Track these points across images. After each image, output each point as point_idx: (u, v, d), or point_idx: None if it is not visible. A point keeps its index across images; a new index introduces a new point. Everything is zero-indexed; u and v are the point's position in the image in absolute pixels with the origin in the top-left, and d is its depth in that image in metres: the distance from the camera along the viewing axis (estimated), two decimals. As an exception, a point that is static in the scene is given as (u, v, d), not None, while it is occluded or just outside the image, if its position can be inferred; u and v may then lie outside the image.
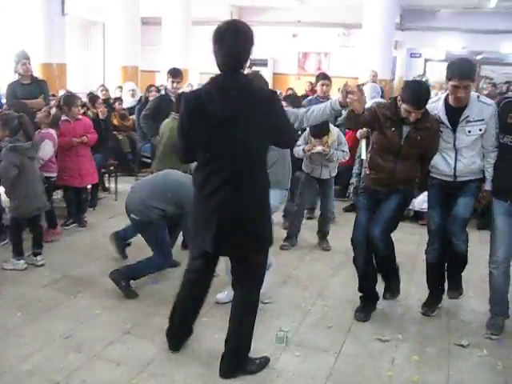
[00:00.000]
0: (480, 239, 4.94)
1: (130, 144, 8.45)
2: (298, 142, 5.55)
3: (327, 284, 4.78)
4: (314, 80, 7.37)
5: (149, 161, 8.31)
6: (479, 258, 4.39)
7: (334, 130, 5.55)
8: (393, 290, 4.23)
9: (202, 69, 13.52)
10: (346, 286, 4.61)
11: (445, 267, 4.28)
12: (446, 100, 3.95)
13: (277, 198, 4.31)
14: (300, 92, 10.47)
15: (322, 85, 6.62)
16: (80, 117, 6.18)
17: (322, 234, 5.78)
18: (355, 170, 6.99)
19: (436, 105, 4.00)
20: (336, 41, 16.29)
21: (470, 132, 3.86)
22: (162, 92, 7.17)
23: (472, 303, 4.49)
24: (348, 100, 3.46)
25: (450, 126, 3.90)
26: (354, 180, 7.08)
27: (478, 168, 3.96)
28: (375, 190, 4.06)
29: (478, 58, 16.18)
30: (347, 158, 5.79)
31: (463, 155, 3.92)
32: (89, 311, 4.04)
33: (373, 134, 4.06)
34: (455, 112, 3.87)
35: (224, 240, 3.07)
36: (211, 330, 3.76)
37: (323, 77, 6.76)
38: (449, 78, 3.78)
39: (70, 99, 6.08)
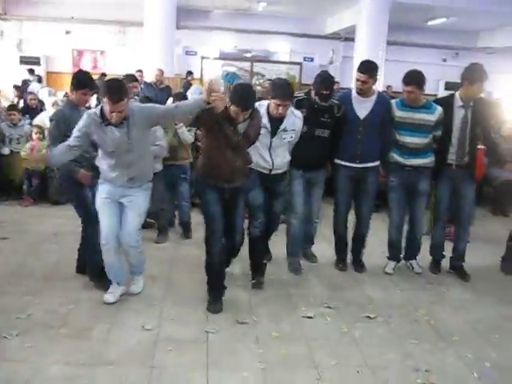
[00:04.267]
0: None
1: None
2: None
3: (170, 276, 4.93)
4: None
5: None
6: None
7: None
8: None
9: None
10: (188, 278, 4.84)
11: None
12: (267, 109, 4.55)
13: None
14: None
15: None
16: None
17: None
18: None
19: (259, 109, 4.47)
20: (112, 39, 16.10)
21: (284, 138, 4.65)
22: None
23: (309, 280, 5.07)
24: (211, 98, 3.78)
25: (270, 132, 4.54)
26: None
27: (287, 161, 4.76)
28: (218, 187, 4.24)
29: (248, 55, 17.33)
30: None
31: (277, 153, 4.65)
32: None
33: (208, 134, 4.23)
34: (275, 121, 4.55)
35: None
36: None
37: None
38: (273, 97, 4.44)
39: None
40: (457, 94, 5.04)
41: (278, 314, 4.29)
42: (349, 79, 13.33)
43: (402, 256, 5.42)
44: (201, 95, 3.98)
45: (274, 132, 4.55)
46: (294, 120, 4.63)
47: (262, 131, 4.43)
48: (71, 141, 3.99)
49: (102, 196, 4.26)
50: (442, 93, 15.47)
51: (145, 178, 4.33)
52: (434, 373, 3.55)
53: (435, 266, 5.43)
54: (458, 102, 5.00)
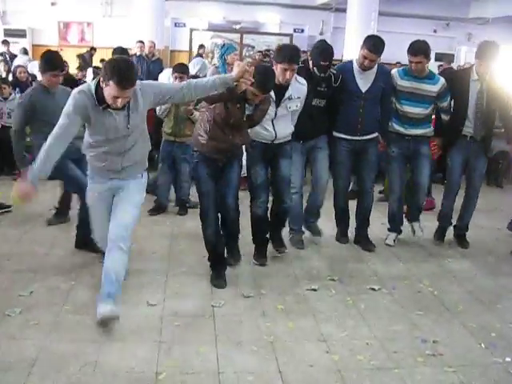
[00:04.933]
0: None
1: None
2: None
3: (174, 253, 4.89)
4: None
5: None
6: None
7: None
8: (236, 255, 4.61)
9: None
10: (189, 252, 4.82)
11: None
12: None
13: None
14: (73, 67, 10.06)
15: None
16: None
17: None
18: None
19: None
20: (99, 10, 15.79)
21: (290, 108, 4.48)
22: None
23: (311, 254, 5.05)
24: (242, 80, 3.62)
25: (275, 101, 4.37)
26: None
27: (290, 131, 4.61)
28: (213, 158, 4.19)
29: (237, 27, 17.08)
30: None
31: (280, 124, 4.48)
32: None
33: (213, 109, 4.04)
34: (279, 89, 4.33)
35: None
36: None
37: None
38: (279, 62, 4.23)
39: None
40: (474, 67, 5.02)
41: (283, 288, 4.27)
42: (339, 50, 13.20)
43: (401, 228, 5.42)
44: (227, 74, 3.74)
45: (278, 101, 4.38)
46: (299, 87, 4.47)
47: None
48: (59, 131, 3.35)
49: (94, 193, 3.80)
50: (433, 64, 15.39)
51: (140, 168, 3.78)
52: (441, 343, 3.55)
53: (441, 233, 5.47)
54: (473, 76, 4.98)
